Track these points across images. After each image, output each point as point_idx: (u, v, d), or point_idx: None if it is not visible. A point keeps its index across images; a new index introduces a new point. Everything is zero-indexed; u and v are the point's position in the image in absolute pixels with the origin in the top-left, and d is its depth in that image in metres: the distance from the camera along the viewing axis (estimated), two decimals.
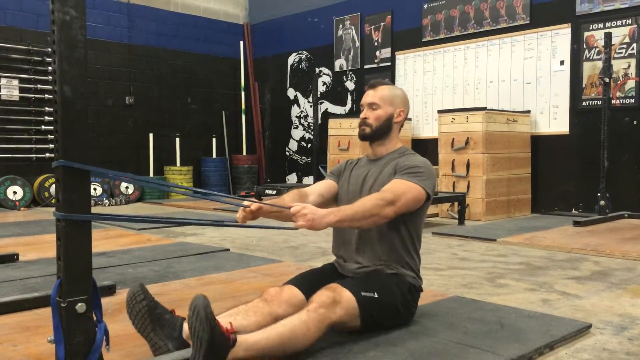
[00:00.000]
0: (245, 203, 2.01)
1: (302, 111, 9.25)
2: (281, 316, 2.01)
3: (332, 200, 2.32)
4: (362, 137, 2.30)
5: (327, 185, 2.34)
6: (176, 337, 1.82)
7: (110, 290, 2.75)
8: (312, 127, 8.82)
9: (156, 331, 1.79)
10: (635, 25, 5.77)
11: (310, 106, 8.88)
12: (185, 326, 1.85)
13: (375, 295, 2.00)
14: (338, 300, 1.87)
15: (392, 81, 7.83)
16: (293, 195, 2.19)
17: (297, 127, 9.33)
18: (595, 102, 6.01)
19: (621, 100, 5.89)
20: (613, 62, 5.60)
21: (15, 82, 7.57)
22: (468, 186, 5.95)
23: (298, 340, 1.76)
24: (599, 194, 5.43)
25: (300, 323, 1.76)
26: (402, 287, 2.10)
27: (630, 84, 5.82)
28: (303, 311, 1.81)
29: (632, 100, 5.82)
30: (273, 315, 1.98)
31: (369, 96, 2.28)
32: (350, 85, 8.41)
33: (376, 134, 2.27)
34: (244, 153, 9.78)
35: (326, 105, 8.76)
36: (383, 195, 2.01)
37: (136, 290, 1.81)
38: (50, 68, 7.35)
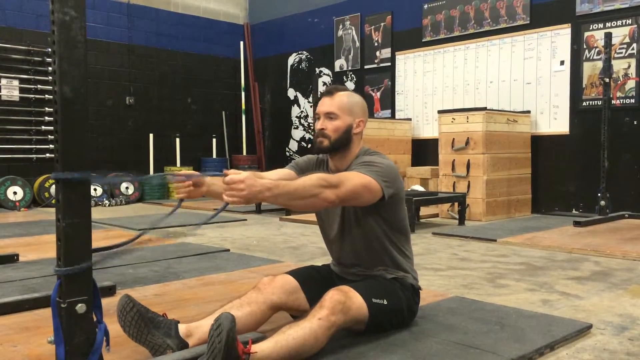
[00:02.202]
0: (183, 173, 1.91)
1: (302, 111, 9.25)
2: (276, 303, 2.00)
3: None
4: (320, 150, 2.12)
5: (287, 176, 2.16)
6: (174, 335, 1.82)
7: (110, 290, 2.75)
8: (312, 128, 8.82)
9: (152, 333, 1.79)
10: (635, 26, 5.77)
11: (311, 106, 8.88)
12: (181, 326, 1.86)
13: (385, 302, 1.99)
14: (349, 307, 1.85)
15: (392, 81, 7.84)
16: None
17: (297, 128, 9.33)
18: (596, 102, 6.01)
19: (621, 101, 5.88)
20: (613, 62, 5.60)
21: (16, 83, 7.57)
22: (468, 186, 5.94)
23: (306, 350, 1.75)
24: (599, 194, 5.42)
25: (310, 333, 1.75)
26: (406, 291, 2.10)
27: (631, 84, 5.82)
28: (314, 319, 1.78)
29: (633, 101, 5.81)
30: (267, 302, 1.98)
31: (326, 104, 2.10)
32: (350, 85, 8.41)
33: (335, 147, 2.09)
34: (244, 153, 9.78)
35: None
36: (327, 176, 1.85)
37: (124, 302, 1.80)
38: (50, 68, 7.33)
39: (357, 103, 2.15)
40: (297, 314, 2.07)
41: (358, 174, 1.93)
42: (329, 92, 2.13)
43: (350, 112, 2.11)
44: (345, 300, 1.85)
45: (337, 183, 1.83)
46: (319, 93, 8.25)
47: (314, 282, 2.12)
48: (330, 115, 2.09)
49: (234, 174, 1.63)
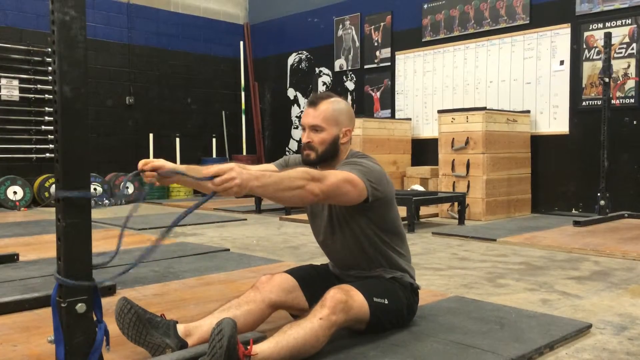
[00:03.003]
0: (149, 166, 1.85)
1: (302, 111, 9.24)
2: (274, 301, 2.00)
3: None
4: (307, 162, 2.08)
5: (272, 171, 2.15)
6: (173, 335, 1.83)
7: (110, 290, 2.75)
8: None
9: (151, 333, 1.80)
10: (635, 25, 5.77)
11: None
12: (180, 326, 1.86)
13: (386, 301, 1.99)
14: (351, 306, 1.85)
15: (392, 81, 7.84)
16: None
17: (297, 127, 9.33)
18: (595, 102, 6.01)
19: (621, 100, 5.88)
20: (613, 62, 5.60)
21: (16, 82, 7.57)
22: (468, 186, 5.94)
23: (307, 350, 1.76)
24: (599, 194, 5.42)
25: (311, 333, 1.75)
26: (405, 291, 2.10)
27: (630, 84, 5.82)
28: (314, 319, 1.77)
29: (632, 100, 5.82)
30: (266, 301, 1.98)
31: (310, 116, 2.05)
32: (350, 85, 8.41)
33: (322, 159, 2.07)
34: (244, 153, 9.77)
35: None
36: (311, 170, 1.83)
37: (122, 304, 1.81)
38: (50, 68, 7.35)
39: (342, 111, 2.09)
40: (296, 313, 2.07)
41: (342, 171, 1.92)
42: (313, 103, 2.08)
43: (336, 122, 2.06)
44: (347, 299, 1.84)
45: (321, 177, 1.81)
46: (318, 93, 8.25)
47: (312, 281, 2.12)
48: (315, 128, 2.05)
49: (217, 169, 1.57)
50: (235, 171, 1.57)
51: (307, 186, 1.76)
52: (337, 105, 2.09)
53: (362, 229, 2.07)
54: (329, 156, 2.08)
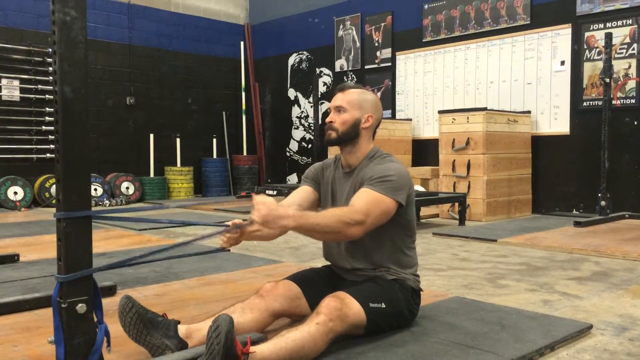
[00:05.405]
0: (228, 224, 1.95)
1: (302, 111, 9.25)
2: (278, 310, 2.01)
3: (311, 209, 2.21)
4: (328, 142, 2.18)
5: (304, 193, 2.25)
6: (173, 335, 1.83)
7: (110, 290, 2.75)
8: (312, 128, 8.82)
9: (151, 334, 1.80)
10: (636, 26, 5.77)
11: (311, 106, 8.88)
12: (181, 327, 1.86)
13: (383, 305, 1.99)
14: (346, 313, 1.85)
15: (393, 82, 7.84)
16: None
17: (297, 128, 9.33)
18: (596, 102, 6.01)
19: (622, 101, 5.88)
20: (614, 62, 5.60)
21: (16, 83, 7.58)
22: (469, 186, 5.94)
23: (305, 354, 1.75)
24: (599, 195, 5.42)
25: (309, 337, 1.75)
26: (406, 293, 2.10)
27: (631, 84, 5.82)
28: (312, 323, 1.78)
29: (633, 101, 5.81)
30: (269, 310, 1.99)
31: (337, 99, 2.17)
32: None
33: (342, 140, 2.15)
34: (245, 153, 9.78)
35: (327, 106, 8.76)
36: (351, 215, 1.89)
37: (124, 302, 1.81)
38: (50, 69, 7.38)
39: (367, 100, 2.19)
40: (299, 319, 2.07)
41: (377, 198, 1.97)
42: (342, 88, 2.21)
43: (359, 107, 2.16)
44: (341, 307, 1.85)
45: (362, 219, 1.90)
46: (319, 93, 8.26)
47: (315, 287, 2.12)
48: (339, 109, 2.16)
49: (258, 197, 1.74)
50: (266, 205, 1.72)
51: (347, 232, 1.88)
52: (363, 94, 2.20)
53: (386, 231, 2.08)
54: (348, 137, 2.16)
